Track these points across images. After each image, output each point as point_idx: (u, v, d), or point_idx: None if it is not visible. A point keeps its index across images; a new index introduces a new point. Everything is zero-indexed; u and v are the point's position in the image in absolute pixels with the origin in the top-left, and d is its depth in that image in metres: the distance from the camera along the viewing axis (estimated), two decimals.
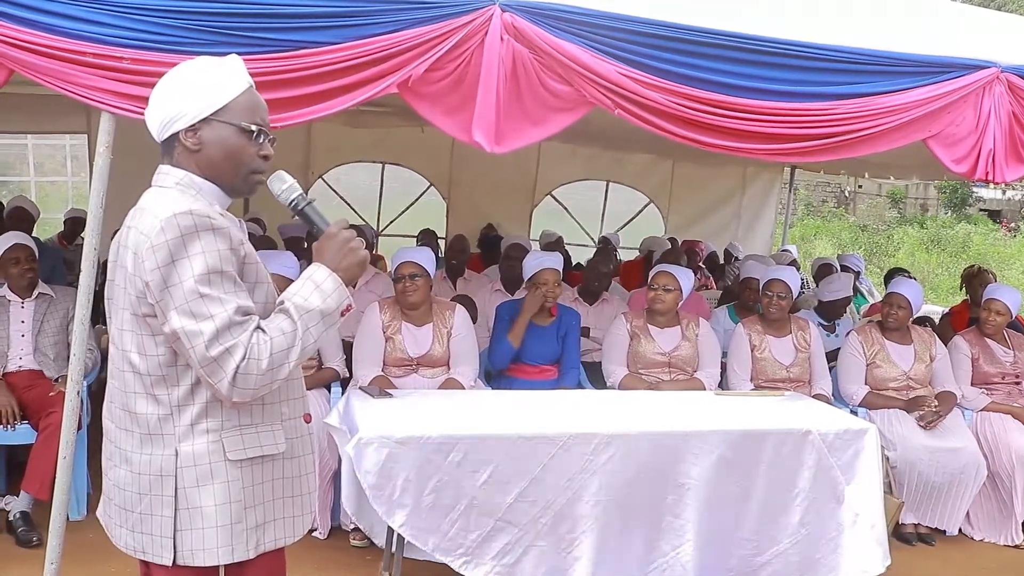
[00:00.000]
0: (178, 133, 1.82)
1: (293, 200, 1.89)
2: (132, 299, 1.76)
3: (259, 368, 1.70)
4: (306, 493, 1.94)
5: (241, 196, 1.92)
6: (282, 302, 1.79)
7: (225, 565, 1.79)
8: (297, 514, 1.92)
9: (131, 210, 1.85)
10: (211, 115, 1.81)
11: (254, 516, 1.82)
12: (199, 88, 1.82)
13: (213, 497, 1.77)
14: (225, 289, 1.70)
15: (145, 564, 1.87)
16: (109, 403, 1.89)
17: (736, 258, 8.55)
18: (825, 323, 5.35)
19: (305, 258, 5.59)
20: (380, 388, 3.71)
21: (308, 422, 1.97)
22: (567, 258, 7.08)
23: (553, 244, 7.10)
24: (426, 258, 4.11)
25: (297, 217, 1.92)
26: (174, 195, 1.79)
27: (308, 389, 3.80)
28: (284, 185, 1.89)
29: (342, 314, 1.83)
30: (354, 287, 5.06)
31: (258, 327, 1.72)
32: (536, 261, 4.53)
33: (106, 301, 1.90)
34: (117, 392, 1.85)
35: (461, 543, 3.10)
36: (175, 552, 1.78)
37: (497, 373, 4.52)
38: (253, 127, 1.85)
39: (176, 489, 1.77)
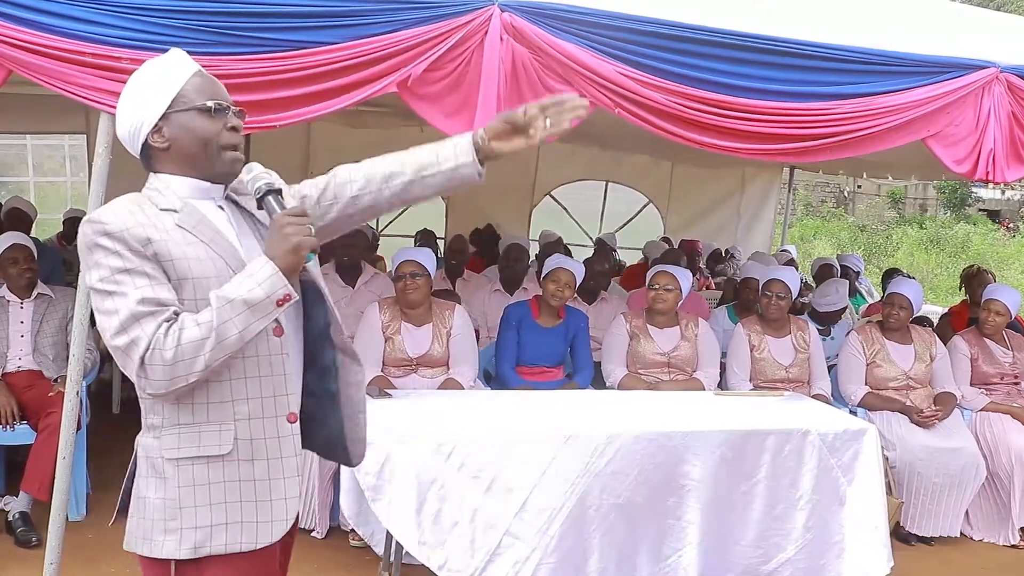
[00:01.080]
0: (147, 139, 1.84)
1: (257, 188, 1.84)
2: None
3: (163, 359, 1.67)
4: (278, 499, 1.84)
5: (226, 179, 1.88)
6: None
7: (176, 561, 1.79)
8: (262, 520, 1.83)
9: None
10: (167, 110, 1.82)
11: (193, 517, 1.78)
12: (149, 89, 1.84)
13: (153, 490, 1.80)
14: (136, 284, 1.69)
15: None
16: None
17: (732, 256, 8.54)
18: (819, 327, 5.33)
19: None
20: (379, 388, 3.70)
21: (292, 422, 1.87)
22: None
23: (552, 244, 7.09)
24: (426, 258, 4.12)
25: (262, 207, 1.85)
26: (120, 200, 1.82)
27: None
28: (249, 175, 1.85)
29: (279, 304, 1.73)
30: (354, 288, 5.08)
31: (171, 319, 1.69)
32: (555, 260, 4.59)
33: None
34: None
35: (468, 563, 3.04)
36: (126, 534, 1.84)
37: (498, 377, 4.53)
38: (210, 103, 1.83)
39: (132, 475, 1.85)
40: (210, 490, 1.79)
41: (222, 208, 1.89)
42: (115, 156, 2.98)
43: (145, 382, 1.70)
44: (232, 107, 1.88)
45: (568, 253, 6.52)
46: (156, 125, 1.82)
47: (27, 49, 2.80)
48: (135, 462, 1.87)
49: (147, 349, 1.67)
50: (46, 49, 2.81)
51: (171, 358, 1.67)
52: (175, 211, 1.80)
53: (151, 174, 1.87)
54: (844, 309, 5.55)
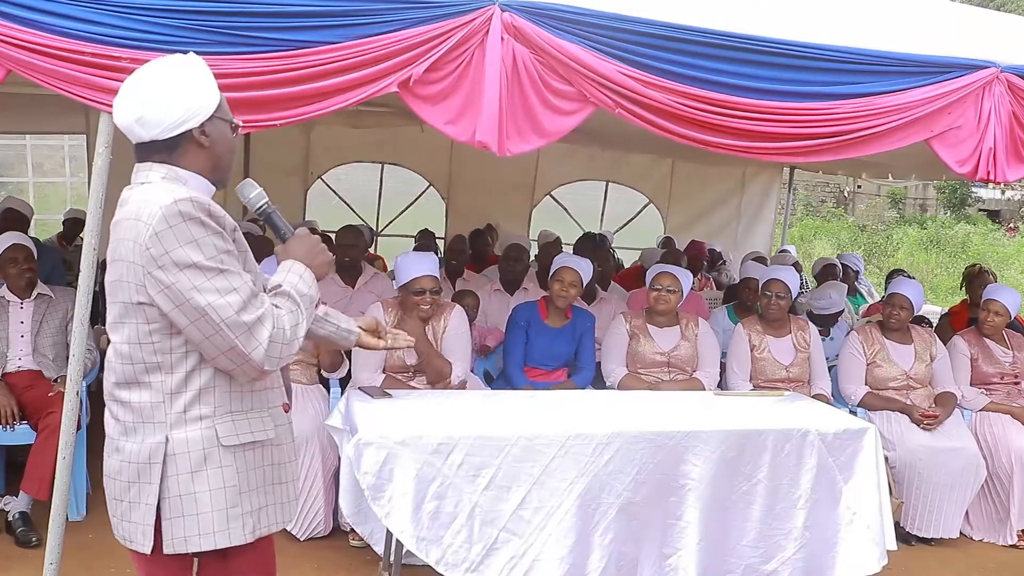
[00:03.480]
0: (190, 131, 1.85)
1: (261, 206, 2.00)
2: (131, 288, 1.77)
3: (284, 337, 1.78)
4: (291, 480, 1.99)
5: (222, 188, 1.97)
6: (279, 286, 1.87)
7: (202, 553, 1.82)
8: (285, 500, 1.96)
9: (117, 209, 1.88)
10: (213, 113, 1.87)
11: (250, 501, 1.86)
12: (202, 86, 1.87)
13: (207, 483, 1.80)
14: (238, 266, 1.78)
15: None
16: (105, 394, 1.93)
17: (723, 261, 8.53)
18: (819, 328, 5.31)
19: None
20: (380, 388, 3.70)
21: (287, 411, 2.01)
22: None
23: (551, 245, 7.08)
24: (437, 267, 4.06)
25: (263, 220, 2.03)
26: (166, 186, 1.82)
27: (329, 362, 3.94)
28: (254, 192, 2.00)
29: (316, 305, 1.95)
30: (354, 288, 5.07)
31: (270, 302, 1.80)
32: (561, 259, 4.59)
33: (108, 299, 1.92)
34: (109, 383, 1.89)
35: (465, 557, 3.05)
36: (159, 540, 1.80)
37: (503, 377, 4.51)
38: (235, 122, 1.95)
39: (164, 477, 1.79)
40: (257, 474, 1.88)
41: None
42: (115, 156, 2.98)
43: (265, 359, 1.75)
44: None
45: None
46: (203, 123, 1.85)
47: (27, 49, 2.80)
48: (161, 468, 1.78)
49: (273, 327, 1.75)
50: (46, 49, 2.80)
51: (290, 336, 1.79)
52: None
53: (166, 165, 1.85)
54: (840, 313, 5.55)
